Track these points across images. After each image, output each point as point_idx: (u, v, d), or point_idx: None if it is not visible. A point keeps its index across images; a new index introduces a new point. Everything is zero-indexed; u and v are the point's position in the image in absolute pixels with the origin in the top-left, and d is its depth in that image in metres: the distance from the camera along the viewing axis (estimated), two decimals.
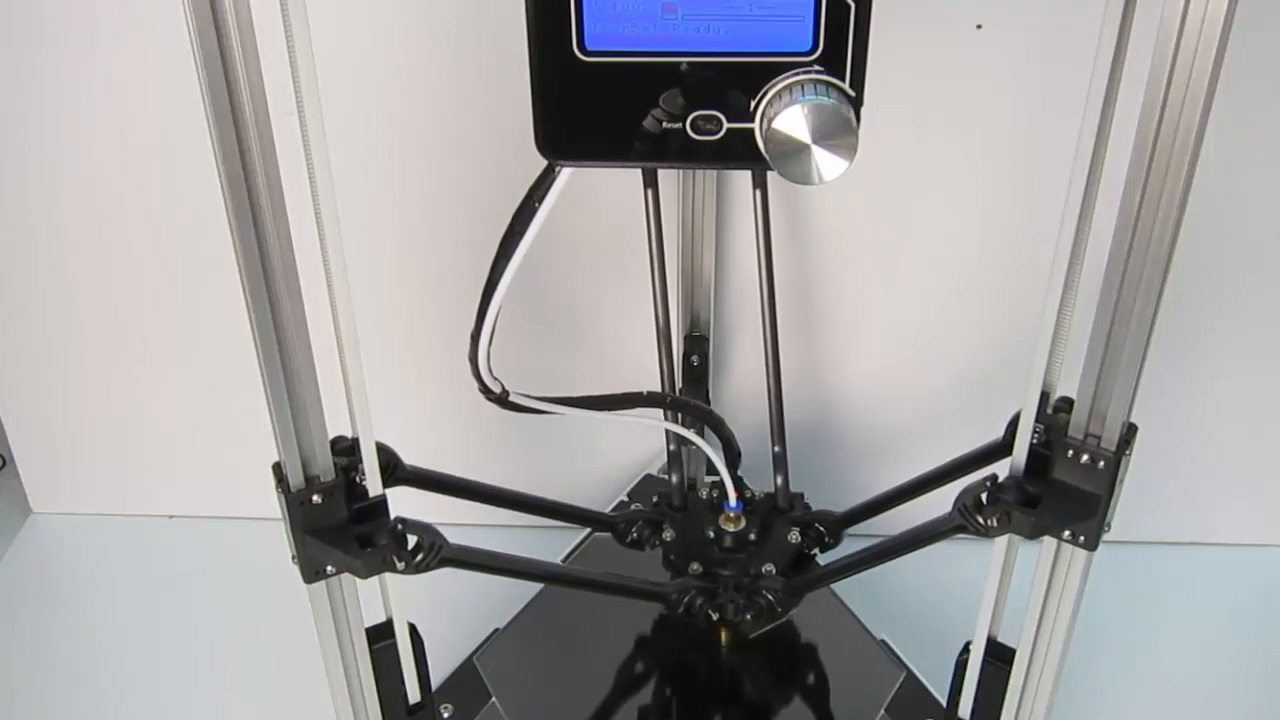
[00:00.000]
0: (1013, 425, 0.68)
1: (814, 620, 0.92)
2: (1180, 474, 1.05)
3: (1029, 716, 0.72)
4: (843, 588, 0.94)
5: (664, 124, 0.53)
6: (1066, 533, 0.63)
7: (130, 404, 1.08)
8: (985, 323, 0.99)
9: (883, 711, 0.87)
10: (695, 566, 0.85)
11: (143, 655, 1.01)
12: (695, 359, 0.98)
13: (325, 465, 0.63)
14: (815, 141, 0.50)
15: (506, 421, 1.06)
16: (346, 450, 0.66)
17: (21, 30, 0.89)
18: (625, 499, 1.07)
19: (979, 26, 0.85)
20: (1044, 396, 0.63)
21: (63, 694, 0.98)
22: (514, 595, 0.95)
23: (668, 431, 0.90)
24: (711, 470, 1.09)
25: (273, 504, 0.64)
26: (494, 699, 0.88)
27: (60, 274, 1.01)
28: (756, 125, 0.52)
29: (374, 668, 0.71)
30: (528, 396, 0.71)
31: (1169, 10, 0.48)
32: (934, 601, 0.85)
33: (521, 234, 0.61)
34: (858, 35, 0.50)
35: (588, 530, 1.02)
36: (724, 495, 0.87)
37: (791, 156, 0.51)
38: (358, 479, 0.66)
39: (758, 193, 0.86)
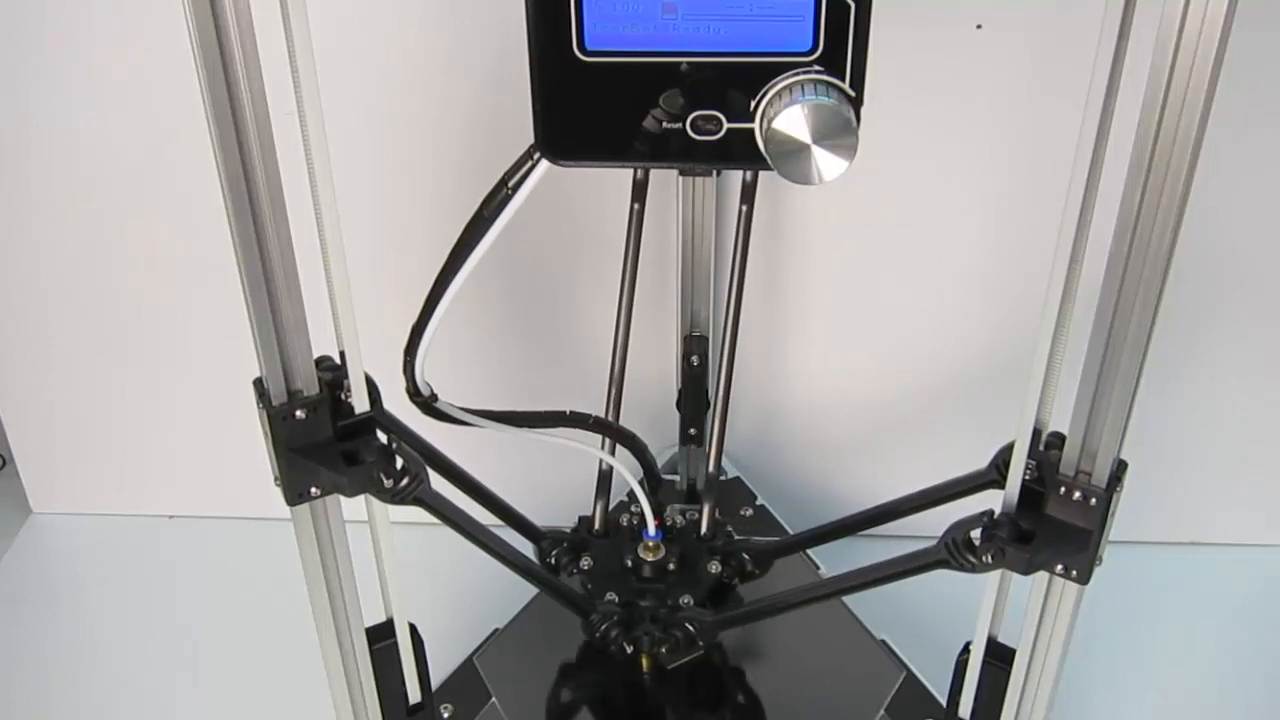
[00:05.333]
0: (998, 458, 0.68)
1: (814, 620, 0.92)
2: (1180, 474, 1.05)
3: (1029, 716, 0.72)
4: None
5: (664, 124, 0.53)
6: (1059, 567, 0.63)
7: (130, 404, 1.08)
8: (985, 324, 0.99)
9: (883, 711, 0.87)
10: (610, 596, 0.84)
11: (142, 655, 1.01)
12: (695, 359, 0.98)
13: (309, 379, 0.60)
14: (815, 141, 0.50)
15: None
16: (331, 368, 0.62)
17: (21, 30, 0.89)
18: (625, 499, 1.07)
19: (979, 26, 0.85)
20: (1036, 434, 0.63)
21: (62, 693, 0.98)
22: (514, 595, 0.94)
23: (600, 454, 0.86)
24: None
25: (273, 504, 0.64)
26: (494, 699, 0.88)
27: (60, 274, 1.01)
28: (756, 125, 0.52)
29: (374, 668, 0.71)
30: (455, 406, 0.67)
31: (1169, 10, 0.48)
32: (934, 601, 0.85)
33: (491, 221, 0.58)
34: (858, 35, 0.50)
35: None
36: (644, 523, 0.85)
37: (791, 156, 0.51)
38: (343, 396, 0.62)
39: (744, 207, 0.84)
